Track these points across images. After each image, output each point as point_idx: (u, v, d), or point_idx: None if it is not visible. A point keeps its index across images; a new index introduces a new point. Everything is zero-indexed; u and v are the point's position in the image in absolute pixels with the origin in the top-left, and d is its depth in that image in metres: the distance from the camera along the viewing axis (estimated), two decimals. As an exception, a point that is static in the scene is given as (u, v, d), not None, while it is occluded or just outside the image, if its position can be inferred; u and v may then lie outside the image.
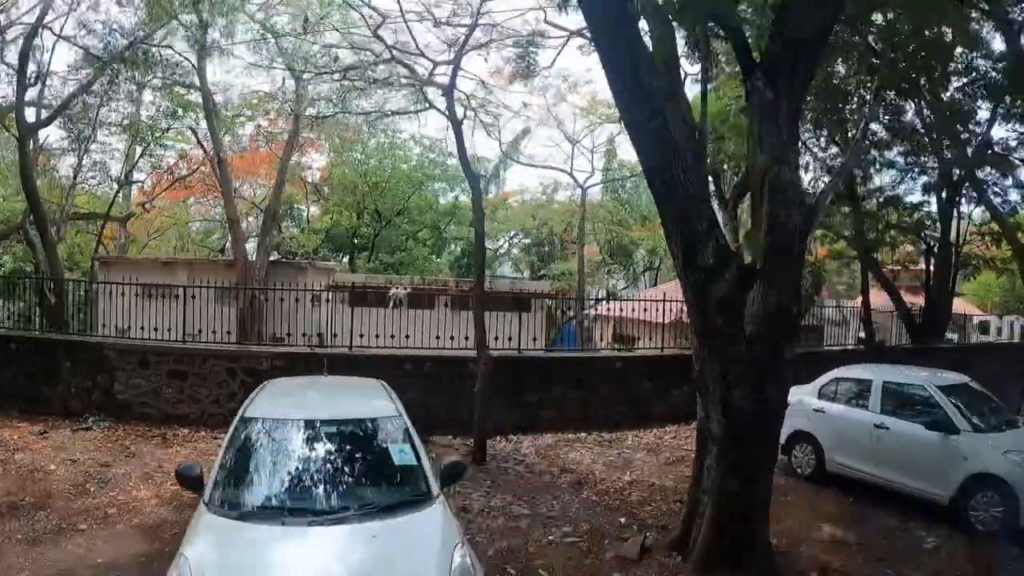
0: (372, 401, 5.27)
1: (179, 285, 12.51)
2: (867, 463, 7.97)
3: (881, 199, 18.45)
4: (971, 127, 16.61)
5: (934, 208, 18.27)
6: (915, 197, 18.54)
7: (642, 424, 11.42)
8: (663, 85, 5.55)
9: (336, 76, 12.62)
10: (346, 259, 24.02)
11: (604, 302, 18.56)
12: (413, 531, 3.97)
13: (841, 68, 12.12)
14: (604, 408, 11.44)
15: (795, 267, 5.88)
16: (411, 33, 10.76)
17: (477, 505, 7.33)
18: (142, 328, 11.18)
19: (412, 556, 3.78)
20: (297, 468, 4.46)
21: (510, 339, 11.53)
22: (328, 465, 4.51)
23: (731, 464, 5.65)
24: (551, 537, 6.53)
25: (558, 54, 23.44)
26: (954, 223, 18.08)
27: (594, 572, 5.86)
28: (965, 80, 13.99)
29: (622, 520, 7.10)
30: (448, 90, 9.95)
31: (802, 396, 8.83)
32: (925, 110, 14.95)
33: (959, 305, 23.50)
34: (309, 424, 4.68)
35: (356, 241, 24.06)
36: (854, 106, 13.37)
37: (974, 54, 12.94)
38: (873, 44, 11.34)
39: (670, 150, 5.40)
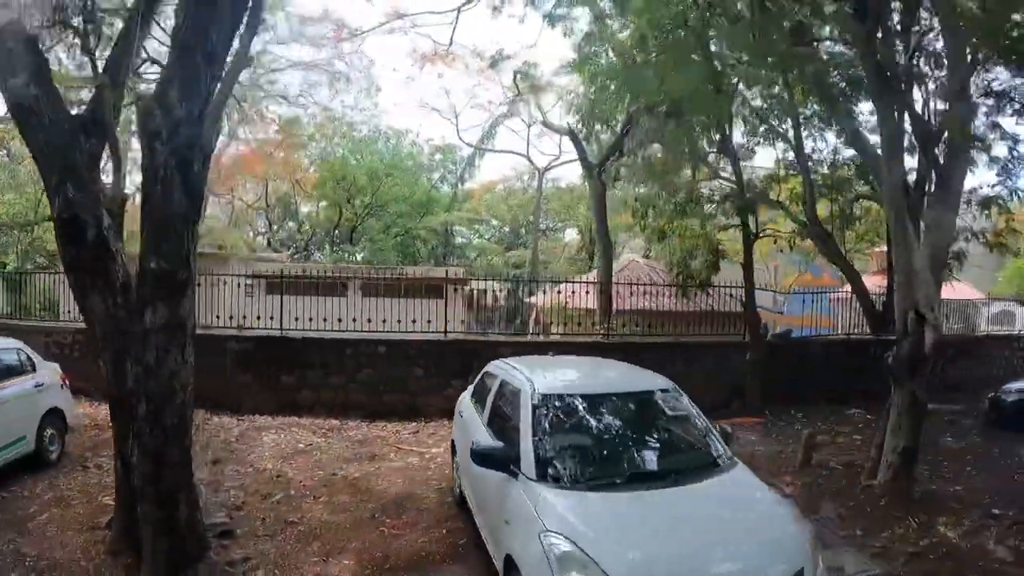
0: None
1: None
2: (470, 495, 4.99)
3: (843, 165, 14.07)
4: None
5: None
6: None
7: (410, 416, 9.24)
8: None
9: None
10: (328, 251, 23.03)
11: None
12: None
13: None
14: (367, 396, 9.49)
15: (162, 215, 4.23)
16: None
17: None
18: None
19: None
20: None
21: (413, 321, 10.03)
22: None
23: (116, 439, 4.82)
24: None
25: (453, 31, 20.85)
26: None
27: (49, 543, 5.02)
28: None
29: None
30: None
31: (464, 394, 6.04)
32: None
33: (965, 291, 17.76)
34: None
35: (337, 233, 23.03)
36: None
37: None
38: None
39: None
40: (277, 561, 4.76)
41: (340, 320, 9.93)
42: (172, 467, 4.32)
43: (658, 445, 4.26)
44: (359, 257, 22.32)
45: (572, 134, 12.17)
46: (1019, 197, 13.04)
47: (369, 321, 9.89)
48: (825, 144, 14.31)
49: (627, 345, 10.28)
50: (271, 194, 22.44)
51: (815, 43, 7.12)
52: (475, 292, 16.01)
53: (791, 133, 12.69)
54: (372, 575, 4.59)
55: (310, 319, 9.84)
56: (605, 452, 4.08)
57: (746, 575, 3.17)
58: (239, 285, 11.93)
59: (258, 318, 10.26)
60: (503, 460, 3.92)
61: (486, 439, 4.55)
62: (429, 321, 10.00)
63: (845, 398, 11.21)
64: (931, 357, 5.93)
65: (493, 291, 16.16)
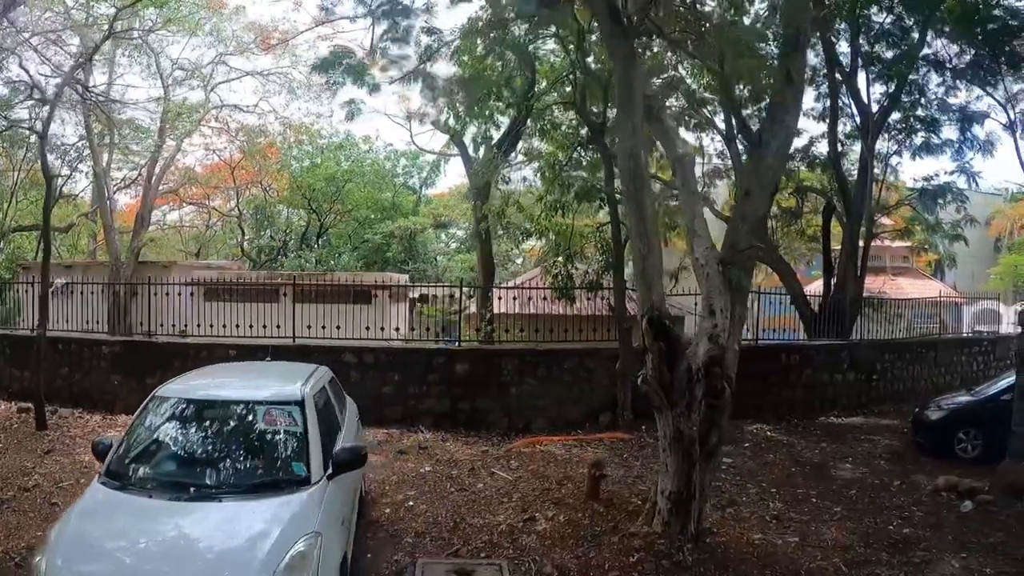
0: None
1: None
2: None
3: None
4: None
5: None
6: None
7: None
8: None
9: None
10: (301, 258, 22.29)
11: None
12: None
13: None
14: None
15: None
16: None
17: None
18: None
19: None
20: None
21: (338, 328, 9.36)
22: None
23: None
24: None
25: (372, 37, 18.61)
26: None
27: None
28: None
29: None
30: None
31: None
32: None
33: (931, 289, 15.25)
34: None
35: (319, 241, 22.38)
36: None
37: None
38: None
39: None
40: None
41: (265, 326, 9.43)
42: None
43: (230, 457, 3.78)
44: (337, 263, 21.62)
45: (452, 134, 10.82)
46: (976, 182, 10.87)
47: (323, 327, 9.31)
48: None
49: (478, 352, 8.91)
50: (249, 202, 22.13)
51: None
52: (409, 298, 14.92)
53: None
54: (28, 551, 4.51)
55: (237, 325, 9.45)
56: (169, 457, 3.83)
57: None
58: (167, 293, 11.39)
59: (198, 326, 9.97)
60: (103, 455, 3.77)
61: None
62: (364, 328, 9.25)
63: (753, 411, 9.36)
64: (697, 377, 4.26)
65: (418, 296, 15.00)
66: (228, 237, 23.97)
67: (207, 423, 3.92)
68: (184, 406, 3.97)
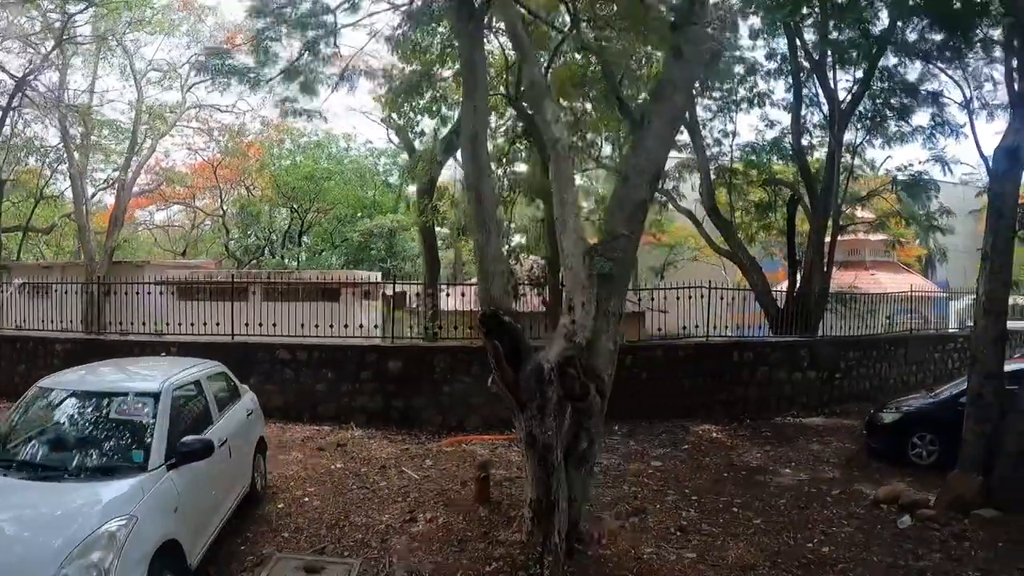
0: None
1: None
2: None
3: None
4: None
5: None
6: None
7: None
8: None
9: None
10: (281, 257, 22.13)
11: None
12: None
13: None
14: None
15: None
16: None
17: None
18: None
19: None
20: None
21: (274, 325, 9.17)
22: None
23: None
24: None
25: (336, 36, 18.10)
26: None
27: None
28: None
29: None
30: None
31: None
32: None
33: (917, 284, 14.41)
34: None
35: (288, 239, 22.23)
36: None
37: None
38: None
39: None
40: None
41: (205, 324, 9.29)
42: None
43: (83, 442, 3.97)
44: (318, 261, 21.41)
45: (398, 127, 10.44)
46: (951, 171, 10.23)
47: (260, 325, 9.17)
48: (729, 122, 11.97)
49: (412, 349, 8.57)
50: (233, 201, 22.07)
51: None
52: (383, 294, 14.66)
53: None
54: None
55: (203, 323, 9.33)
56: (34, 441, 4.01)
57: None
58: (149, 292, 11.24)
59: (166, 324, 9.84)
60: None
61: None
62: (316, 325, 9.01)
63: (703, 410, 8.88)
64: (550, 378, 3.85)
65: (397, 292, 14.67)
66: (216, 236, 24.03)
67: (72, 411, 4.18)
68: (57, 395, 4.27)
